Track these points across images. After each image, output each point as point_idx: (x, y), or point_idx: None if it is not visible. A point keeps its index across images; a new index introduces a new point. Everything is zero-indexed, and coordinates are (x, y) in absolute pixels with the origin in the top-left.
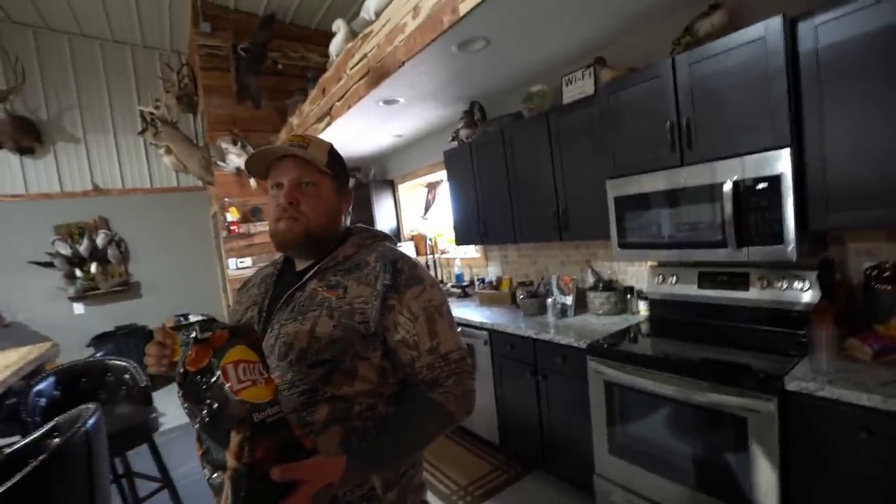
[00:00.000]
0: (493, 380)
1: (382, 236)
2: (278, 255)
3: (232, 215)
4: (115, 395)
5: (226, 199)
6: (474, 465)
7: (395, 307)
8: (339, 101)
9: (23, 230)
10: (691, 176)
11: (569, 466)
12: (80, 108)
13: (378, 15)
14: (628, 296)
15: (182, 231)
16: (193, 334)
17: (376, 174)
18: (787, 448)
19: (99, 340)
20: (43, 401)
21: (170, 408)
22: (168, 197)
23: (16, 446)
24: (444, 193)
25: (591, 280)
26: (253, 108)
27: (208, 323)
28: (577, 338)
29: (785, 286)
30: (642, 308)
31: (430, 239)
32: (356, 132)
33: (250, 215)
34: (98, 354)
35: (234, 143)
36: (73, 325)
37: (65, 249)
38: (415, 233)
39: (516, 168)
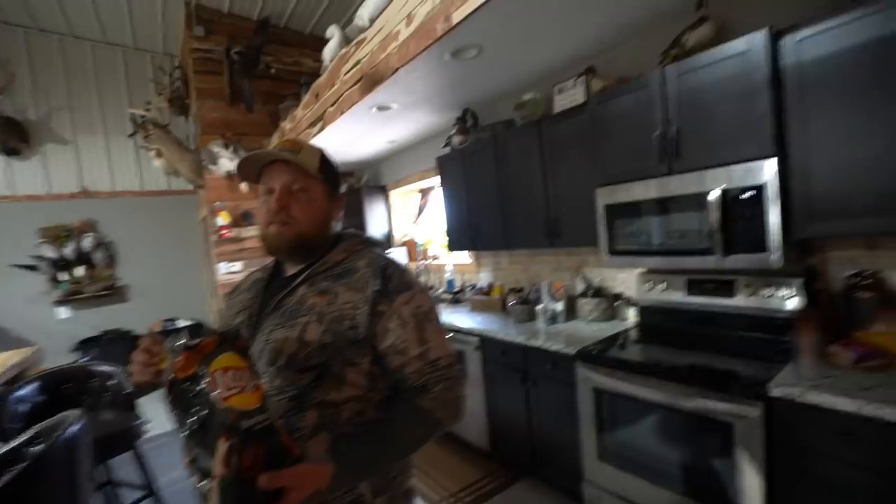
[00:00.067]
0: (484, 386)
1: (372, 242)
2: (269, 260)
3: (223, 219)
4: (100, 400)
5: (217, 203)
6: (464, 472)
7: (384, 313)
8: (332, 106)
9: (7, 232)
10: (679, 185)
11: (559, 473)
12: (71, 110)
13: (372, 22)
14: (617, 302)
15: (171, 235)
16: (183, 341)
17: (369, 179)
18: (772, 453)
19: (85, 345)
20: (27, 406)
21: (156, 414)
22: (158, 200)
23: None
24: (437, 200)
25: (581, 287)
26: (245, 112)
27: (197, 328)
28: (566, 344)
29: (770, 293)
30: (631, 315)
31: (421, 245)
32: (349, 138)
33: (241, 219)
34: (84, 359)
35: (226, 147)
36: (59, 330)
37: (50, 252)
38: (406, 238)
39: (508, 175)
